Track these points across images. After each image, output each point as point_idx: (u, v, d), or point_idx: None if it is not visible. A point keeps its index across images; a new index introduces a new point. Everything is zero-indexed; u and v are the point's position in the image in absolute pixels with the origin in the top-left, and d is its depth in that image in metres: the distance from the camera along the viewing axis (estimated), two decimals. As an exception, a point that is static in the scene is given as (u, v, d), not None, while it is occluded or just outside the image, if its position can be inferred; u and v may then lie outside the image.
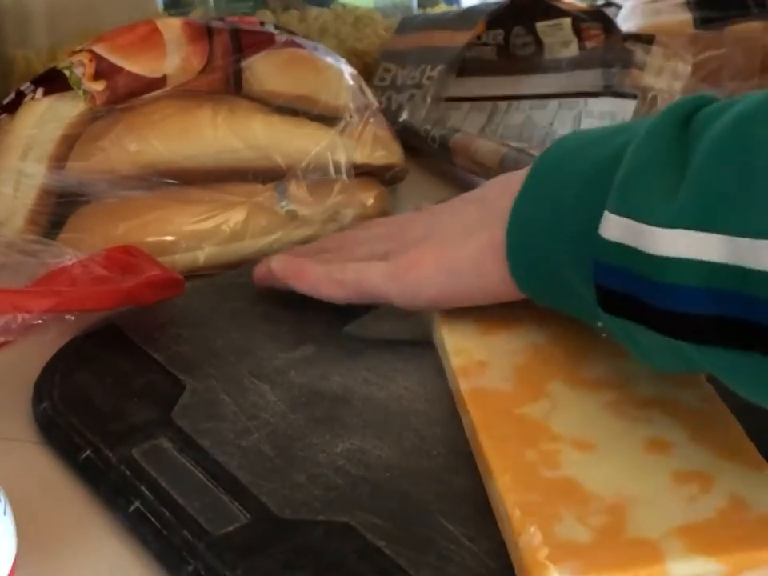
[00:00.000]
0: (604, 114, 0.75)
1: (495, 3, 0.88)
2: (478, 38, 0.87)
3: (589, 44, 0.80)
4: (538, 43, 0.83)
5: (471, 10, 0.89)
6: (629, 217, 0.36)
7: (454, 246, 0.47)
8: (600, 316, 0.39)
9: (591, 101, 0.76)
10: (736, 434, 0.40)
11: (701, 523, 0.35)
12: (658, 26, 0.84)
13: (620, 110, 0.74)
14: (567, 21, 0.81)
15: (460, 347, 0.48)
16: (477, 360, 0.47)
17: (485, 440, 0.41)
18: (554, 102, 0.79)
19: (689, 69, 0.75)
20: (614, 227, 0.36)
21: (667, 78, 0.74)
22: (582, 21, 0.80)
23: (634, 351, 0.39)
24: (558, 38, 0.82)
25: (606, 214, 0.37)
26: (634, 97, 0.73)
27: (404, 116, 0.85)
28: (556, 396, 0.44)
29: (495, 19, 0.85)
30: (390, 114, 0.85)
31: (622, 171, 0.37)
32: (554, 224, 0.41)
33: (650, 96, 0.73)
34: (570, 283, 0.41)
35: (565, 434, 0.41)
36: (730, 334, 0.33)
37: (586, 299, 0.39)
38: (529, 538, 0.35)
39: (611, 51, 0.78)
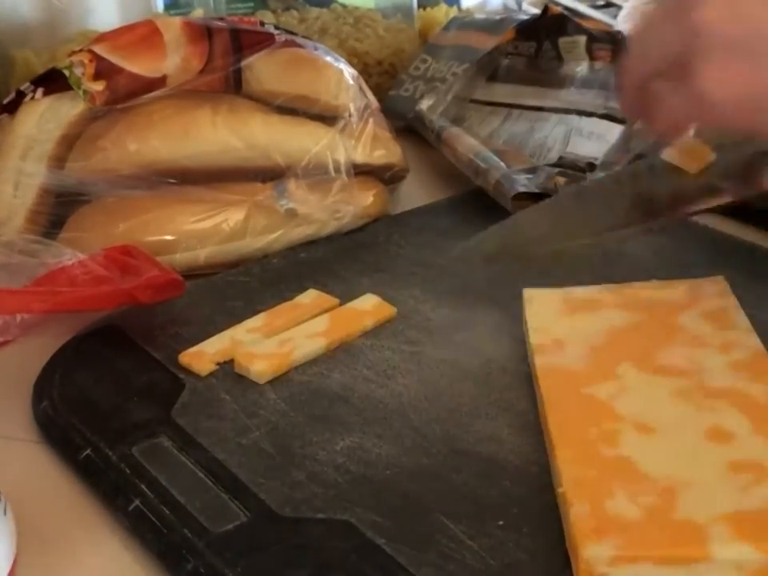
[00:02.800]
0: (592, 134, 0.76)
1: (527, 13, 0.90)
2: (516, 47, 0.89)
3: (597, 64, 0.82)
4: (560, 59, 0.85)
5: (509, 18, 0.91)
6: None
7: None
8: None
9: (585, 119, 0.78)
10: None
11: (749, 512, 0.36)
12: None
13: (608, 133, 0.75)
14: (582, 39, 0.83)
15: (541, 325, 0.50)
16: (554, 338, 0.49)
17: (551, 415, 0.43)
18: (555, 116, 0.81)
19: None
20: None
21: None
22: (595, 41, 0.82)
23: None
24: (573, 55, 0.84)
25: None
26: (623, 121, 0.75)
27: (421, 105, 0.86)
28: (625, 379, 0.45)
29: (529, 31, 0.88)
30: (410, 102, 0.87)
31: None
32: None
33: (635, 125, 0.74)
34: None
35: (628, 415, 0.42)
36: None
37: None
38: (578, 511, 0.36)
39: (611, 74, 0.79)
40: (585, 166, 0.72)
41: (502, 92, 0.88)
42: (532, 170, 0.72)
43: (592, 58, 0.82)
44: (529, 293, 0.53)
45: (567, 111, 0.80)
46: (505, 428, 0.45)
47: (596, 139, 0.75)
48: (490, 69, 0.90)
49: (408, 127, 0.87)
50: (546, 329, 0.50)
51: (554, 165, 0.74)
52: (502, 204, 0.68)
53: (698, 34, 0.41)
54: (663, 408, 0.43)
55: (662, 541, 0.35)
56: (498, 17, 0.93)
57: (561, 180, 0.71)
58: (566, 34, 0.84)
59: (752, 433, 0.40)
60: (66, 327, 0.54)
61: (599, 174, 0.71)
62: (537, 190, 0.68)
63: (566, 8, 0.92)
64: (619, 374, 0.45)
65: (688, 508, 0.36)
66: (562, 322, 0.50)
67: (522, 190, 0.68)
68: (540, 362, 0.47)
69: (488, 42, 0.88)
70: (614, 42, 0.81)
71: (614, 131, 0.75)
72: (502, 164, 0.73)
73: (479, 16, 1.01)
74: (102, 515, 0.42)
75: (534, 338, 0.49)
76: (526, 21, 0.88)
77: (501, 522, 0.39)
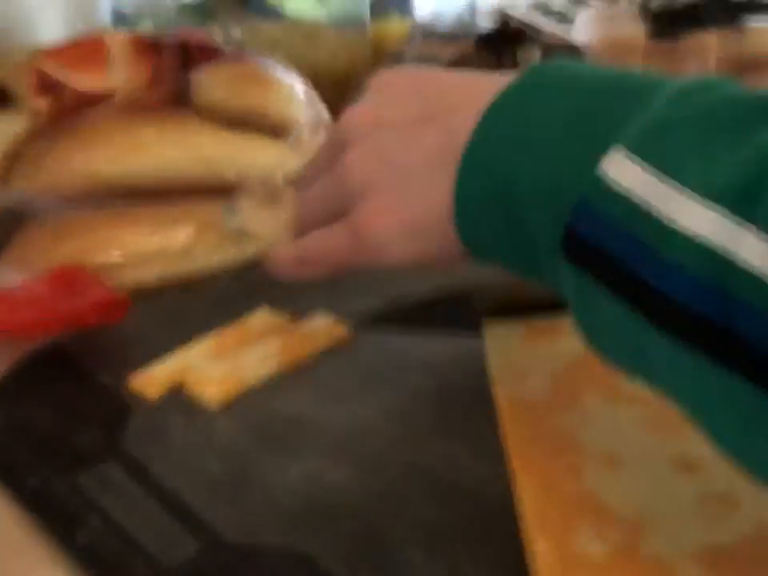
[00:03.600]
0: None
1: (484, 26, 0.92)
2: (477, 58, 0.90)
3: None
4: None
5: (469, 30, 0.94)
6: (658, 169, 0.30)
7: (413, 197, 0.40)
8: (550, 265, 0.34)
9: None
10: None
11: (720, 547, 0.35)
12: (612, 38, 0.85)
13: None
14: (539, 52, 0.85)
15: (502, 353, 0.49)
16: (516, 367, 0.48)
17: (513, 448, 0.42)
18: None
19: None
20: (629, 172, 0.30)
21: None
22: (552, 53, 0.83)
23: (579, 319, 0.34)
24: None
25: (624, 153, 0.31)
26: None
27: None
28: (590, 408, 0.44)
29: (489, 43, 0.89)
30: None
31: (655, 117, 0.32)
32: (531, 147, 0.35)
33: None
34: (522, 218, 0.35)
35: (593, 447, 0.41)
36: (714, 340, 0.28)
37: (537, 243, 0.35)
38: (543, 547, 0.35)
39: None
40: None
41: None
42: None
43: None
44: (490, 320, 0.52)
45: None
46: (465, 451, 0.44)
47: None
48: None
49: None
50: (508, 357, 0.49)
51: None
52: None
53: (349, 181, 0.43)
54: (629, 437, 0.42)
55: None
56: (458, 28, 0.95)
57: None
58: (523, 46, 0.86)
59: (719, 462, 0.39)
60: (8, 352, 0.53)
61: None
62: None
63: (522, 22, 0.93)
64: (583, 402, 0.44)
65: (657, 543, 0.35)
66: (524, 350, 0.49)
67: None
68: (502, 392, 0.46)
69: (450, 53, 0.89)
70: (570, 53, 0.82)
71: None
72: None
73: (441, 27, 1.01)
74: (49, 547, 0.41)
75: (495, 367, 0.48)
76: (487, 33, 0.90)
77: (460, 547, 0.38)
